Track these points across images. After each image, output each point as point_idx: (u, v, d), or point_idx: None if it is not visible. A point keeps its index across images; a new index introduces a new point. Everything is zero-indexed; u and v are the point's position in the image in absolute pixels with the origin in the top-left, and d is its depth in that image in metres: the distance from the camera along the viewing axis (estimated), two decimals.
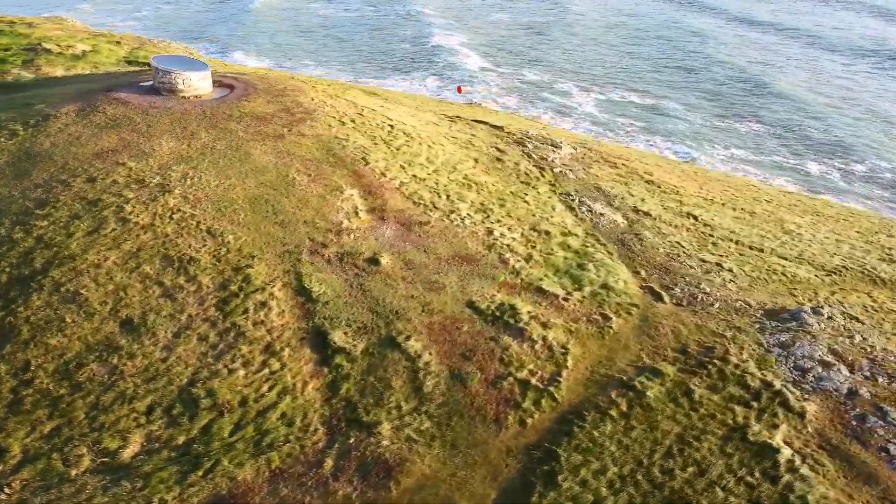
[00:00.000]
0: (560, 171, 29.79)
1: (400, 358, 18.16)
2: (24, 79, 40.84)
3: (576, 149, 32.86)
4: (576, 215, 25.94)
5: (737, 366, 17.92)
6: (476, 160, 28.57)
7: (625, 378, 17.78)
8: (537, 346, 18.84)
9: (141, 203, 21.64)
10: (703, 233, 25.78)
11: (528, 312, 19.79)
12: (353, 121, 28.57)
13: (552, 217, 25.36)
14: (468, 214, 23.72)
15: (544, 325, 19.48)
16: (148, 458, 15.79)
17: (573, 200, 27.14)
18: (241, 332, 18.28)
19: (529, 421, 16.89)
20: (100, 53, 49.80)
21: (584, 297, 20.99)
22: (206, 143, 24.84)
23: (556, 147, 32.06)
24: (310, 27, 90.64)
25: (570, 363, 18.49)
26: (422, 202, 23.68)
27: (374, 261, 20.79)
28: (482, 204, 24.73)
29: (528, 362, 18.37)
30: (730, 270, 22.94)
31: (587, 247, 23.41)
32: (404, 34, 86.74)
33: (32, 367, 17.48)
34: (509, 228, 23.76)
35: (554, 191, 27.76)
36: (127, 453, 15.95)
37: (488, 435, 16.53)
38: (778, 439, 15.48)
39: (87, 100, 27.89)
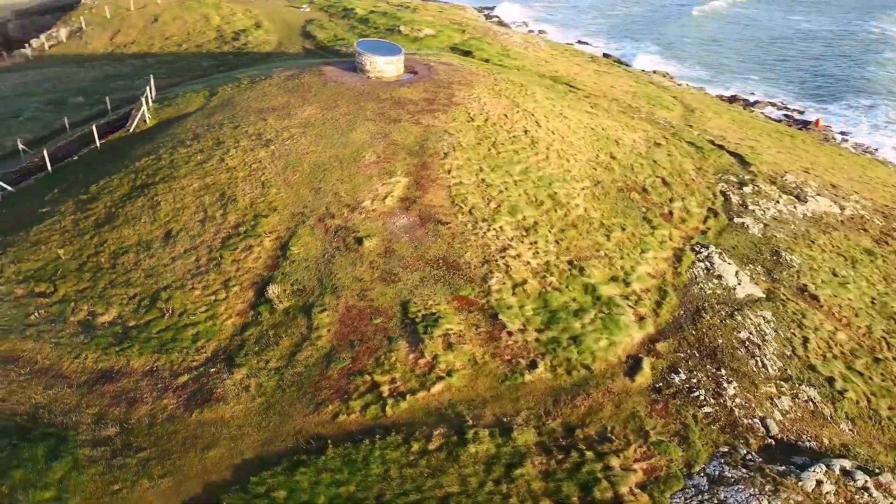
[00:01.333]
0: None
1: (303, 325, 20.14)
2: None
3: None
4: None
5: None
6: (595, 186, 27.06)
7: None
8: (420, 362, 18.82)
9: (241, 151, 26.97)
10: None
11: (447, 330, 19.61)
12: (485, 119, 29.54)
13: (637, 266, 23.12)
14: (499, 228, 23.48)
15: (449, 346, 19.17)
16: (106, 328, 21.05)
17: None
18: (219, 264, 22.30)
19: (342, 418, 17.55)
20: (436, 38, 57.33)
21: (529, 340, 19.68)
22: (334, 115, 29.02)
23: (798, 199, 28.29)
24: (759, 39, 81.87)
25: (434, 388, 18.15)
26: (461, 204, 24.21)
27: (360, 241, 22.61)
28: (530, 225, 23.97)
29: (397, 370, 18.62)
30: None
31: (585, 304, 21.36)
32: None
33: (105, 245, 24.18)
34: (535, 254, 22.82)
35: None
36: (100, 319, 21.45)
37: (300, 411, 17.80)
38: None
39: (303, 69, 34.42)
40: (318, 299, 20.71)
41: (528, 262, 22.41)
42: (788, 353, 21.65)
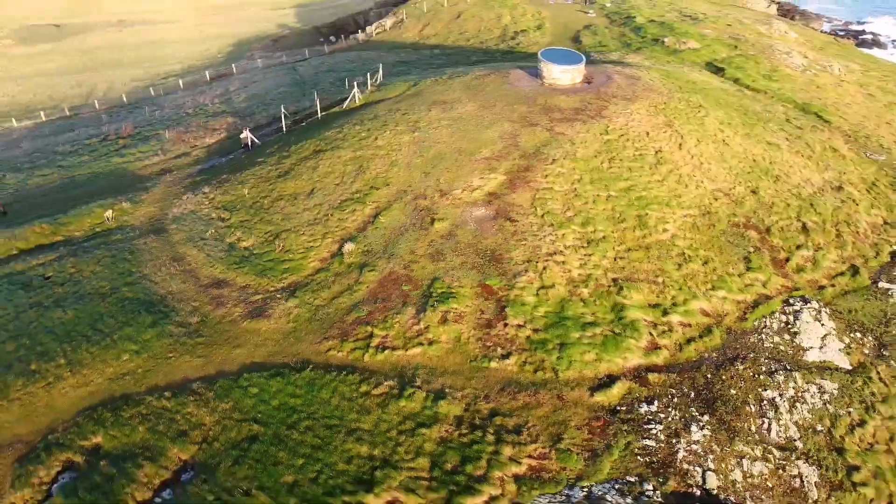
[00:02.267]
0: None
1: (353, 278, 24.71)
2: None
3: None
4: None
5: None
6: (703, 216, 26.53)
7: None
8: (414, 327, 22.17)
9: (393, 133, 31.90)
10: None
11: (451, 307, 22.54)
12: (620, 134, 30.14)
13: (692, 300, 23.32)
14: (560, 235, 25.08)
15: (444, 321, 22.17)
16: (241, 251, 28.00)
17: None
18: (328, 219, 27.84)
19: (331, 353, 21.84)
20: (697, 52, 56.02)
21: (520, 335, 21.67)
22: (485, 113, 32.33)
23: None
24: None
25: (411, 351, 21.46)
26: (537, 207, 26.21)
27: (433, 221, 26.25)
28: (597, 238, 24.93)
29: (393, 329, 22.25)
30: None
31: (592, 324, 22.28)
32: None
33: (274, 191, 31.37)
34: (582, 265, 24.04)
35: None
36: (242, 244, 28.46)
37: (309, 340, 22.51)
38: None
39: (497, 70, 38.10)
40: (375, 261, 24.88)
41: (569, 271, 23.64)
42: (818, 428, 19.94)
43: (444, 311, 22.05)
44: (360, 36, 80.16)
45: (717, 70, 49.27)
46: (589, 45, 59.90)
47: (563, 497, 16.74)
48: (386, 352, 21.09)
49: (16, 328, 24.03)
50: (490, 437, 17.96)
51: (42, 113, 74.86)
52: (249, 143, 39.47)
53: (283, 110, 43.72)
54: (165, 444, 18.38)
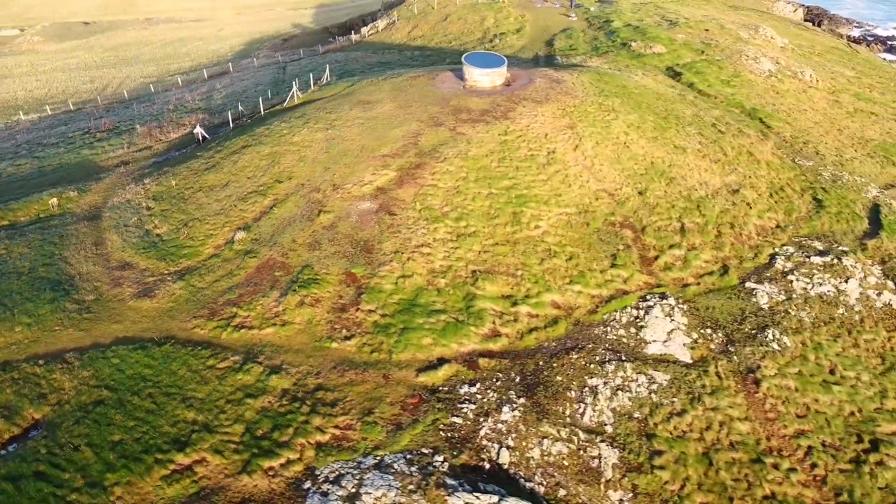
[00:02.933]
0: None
1: (237, 264, 26.61)
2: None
3: None
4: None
5: None
6: (579, 214, 27.75)
7: None
8: (274, 309, 23.99)
9: (309, 131, 33.78)
10: None
11: (312, 293, 24.31)
12: (518, 135, 31.45)
13: (545, 293, 24.87)
14: (433, 229, 26.64)
15: (301, 304, 23.94)
16: (153, 237, 30.12)
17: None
18: (231, 210, 29.76)
19: (196, 330, 23.78)
20: (660, 57, 56.61)
21: (368, 320, 23.33)
22: (398, 113, 33.98)
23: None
24: None
25: (265, 330, 23.26)
26: (418, 203, 27.81)
27: (319, 213, 28.02)
28: (468, 233, 26.48)
29: (255, 311, 24.08)
30: None
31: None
32: None
33: (197, 183, 33.47)
34: (446, 257, 25.62)
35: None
36: (156, 231, 30.63)
37: (181, 318, 24.48)
38: None
39: (429, 72, 39.72)
40: (259, 248, 26.79)
41: (432, 262, 25.21)
42: (635, 415, 21.19)
43: (304, 295, 23.81)
44: (354, 37, 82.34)
45: (676, 74, 50.10)
46: (560, 48, 61.07)
47: (355, 464, 18.36)
48: (242, 330, 22.94)
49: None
50: (305, 409, 19.67)
51: (48, 107, 78.53)
52: (200, 139, 41.73)
53: (239, 108, 45.96)
54: (24, 405, 20.50)
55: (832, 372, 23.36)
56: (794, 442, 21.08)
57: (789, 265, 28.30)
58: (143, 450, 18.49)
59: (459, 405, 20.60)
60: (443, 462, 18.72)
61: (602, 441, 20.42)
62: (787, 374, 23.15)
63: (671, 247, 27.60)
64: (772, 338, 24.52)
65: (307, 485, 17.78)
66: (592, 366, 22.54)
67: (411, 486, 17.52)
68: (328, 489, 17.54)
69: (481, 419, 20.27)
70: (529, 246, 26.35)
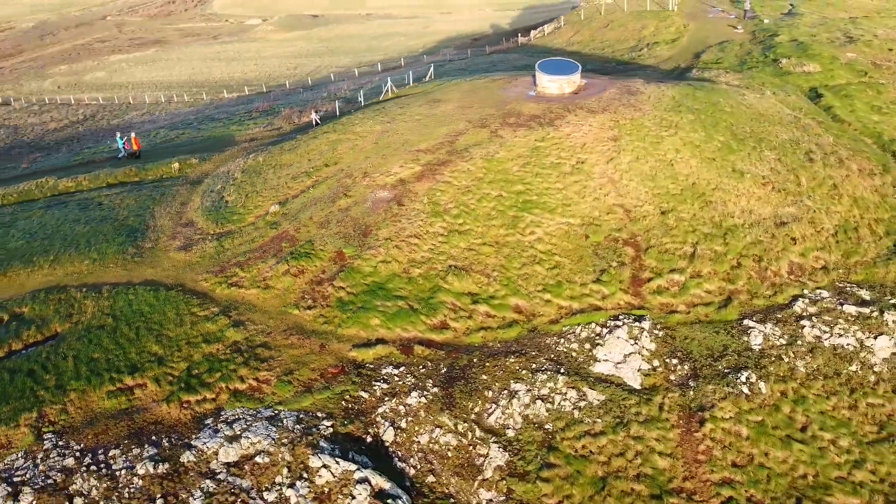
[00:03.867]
0: None
1: (262, 232, 30.37)
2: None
3: None
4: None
5: None
6: (583, 226, 27.74)
7: None
8: (264, 274, 27.33)
9: (371, 123, 36.58)
10: None
11: (300, 265, 27.30)
12: (554, 143, 31.60)
13: (511, 297, 25.60)
14: (430, 223, 28.40)
15: (286, 273, 27.04)
16: (225, 205, 35.05)
17: None
18: (280, 186, 33.71)
19: (201, 283, 27.80)
20: (811, 76, 52.30)
21: (334, 294, 25.83)
22: (455, 114, 35.62)
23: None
24: None
25: (249, 291, 26.69)
26: (427, 197, 29.58)
27: (341, 196, 30.90)
28: (461, 230, 27.73)
29: (251, 274, 27.60)
30: None
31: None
32: None
33: (273, 160, 38.00)
34: (430, 250, 27.27)
35: None
36: (226, 199, 35.57)
37: (194, 271, 28.68)
38: None
39: (509, 76, 40.68)
40: (282, 221, 30.22)
41: (415, 252, 26.89)
42: (546, 427, 21.55)
43: (293, 265, 26.71)
44: (522, 39, 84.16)
45: (817, 96, 46.10)
46: (705, 60, 58.21)
47: (254, 413, 20.84)
48: (233, 288, 26.39)
49: (50, 233, 33.24)
50: (240, 360, 22.52)
51: (247, 88, 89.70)
52: (314, 123, 46.51)
53: (360, 99, 50.17)
54: (54, 320, 25.63)
55: (804, 429, 21.49)
56: (714, 489, 20.00)
57: (812, 310, 25.85)
58: (106, 368, 22.46)
59: (374, 382, 22.17)
60: (328, 427, 20.52)
61: (496, 443, 20.87)
62: (743, 421, 21.69)
63: (671, 271, 26.51)
64: (744, 380, 22.91)
65: (208, 421, 20.56)
66: (525, 372, 22.85)
67: (285, 440, 19.60)
68: (220, 428, 20.18)
69: (386, 398, 21.68)
70: (516, 250, 26.86)
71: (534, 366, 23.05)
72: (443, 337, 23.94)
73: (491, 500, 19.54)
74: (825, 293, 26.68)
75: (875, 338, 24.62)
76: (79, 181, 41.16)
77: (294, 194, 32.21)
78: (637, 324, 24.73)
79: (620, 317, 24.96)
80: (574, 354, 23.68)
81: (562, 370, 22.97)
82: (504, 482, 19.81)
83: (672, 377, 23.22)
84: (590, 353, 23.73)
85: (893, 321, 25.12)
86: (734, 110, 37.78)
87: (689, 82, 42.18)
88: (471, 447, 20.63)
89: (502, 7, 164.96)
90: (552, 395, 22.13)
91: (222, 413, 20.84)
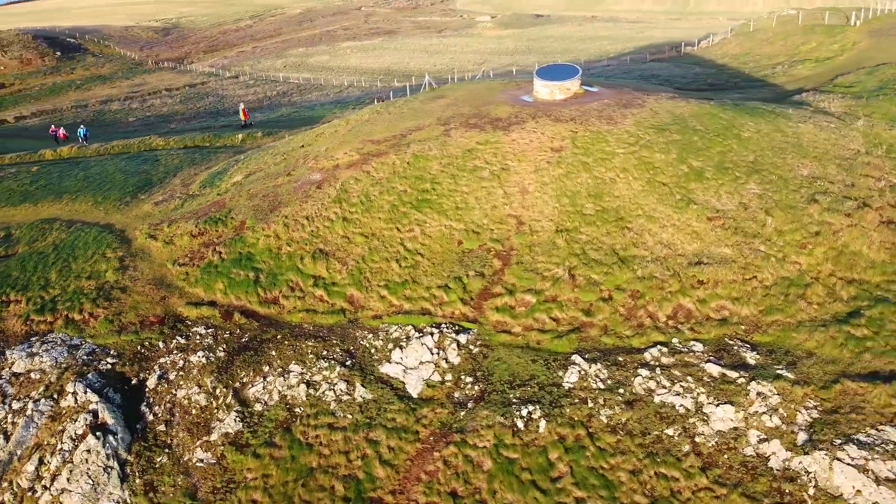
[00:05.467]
0: None
1: (212, 195, 34.06)
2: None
3: None
4: None
5: None
6: (465, 232, 27.26)
7: None
8: (177, 232, 30.88)
9: (367, 112, 38.28)
10: None
11: (208, 231, 30.46)
12: (496, 147, 30.78)
13: (340, 281, 26.74)
14: (314, 206, 29.91)
15: (192, 235, 30.36)
16: (233, 185, 39.53)
17: None
18: (284, 155, 37.15)
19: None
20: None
21: (196, 248, 28.64)
22: (438, 110, 36.01)
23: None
24: None
25: (155, 242, 30.48)
26: (338, 185, 30.96)
27: (286, 174, 33.40)
28: (349, 217, 28.94)
29: (170, 229, 31.37)
30: None
31: None
32: None
33: (286, 139, 41.56)
34: (312, 232, 28.96)
35: None
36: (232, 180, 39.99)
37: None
38: None
39: (521, 80, 39.47)
40: (231, 190, 33.50)
41: (297, 231, 28.47)
42: (296, 410, 22.55)
43: (201, 228, 29.77)
44: (686, 49, 78.84)
45: None
46: (840, 83, 50.82)
47: (68, 339, 24.27)
48: (148, 240, 30.20)
49: (96, 178, 40.03)
50: (94, 296, 26.15)
51: (413, 79, 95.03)
52: None
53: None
54: (23, 242, 31.53)
55: (556, 480, 19.90)
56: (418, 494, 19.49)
57: (665, 360, 22.96)
58: (10, 285, 27.44)
59: (178, 337, 24.39)
60: (109, 363, 23.25)
61: (238, 412, 22.00)
62: (494, 454, 20.57)
63: (527, 290, 24.95)
64: (524, 414, 21.41)
65: (34, 339, 24.41)
66: (311, 356, 23.53)
67: (63, 365, 22.77)
68: (34, 345, 23.90)
69: (175, 352, 23.80)
70: (385, 244, 27.13)
71: (325, 353, 23.52)
72: (267, 311, 25.27)
73: (202, 461, 20.77)
74: (698, 346, 23.27)
75: (718, 405, 21.26)
76: (168, 141, 48.22)
77: (261, 168, 35.16)
78: (455, 335, 23.85)
79: (443, 325, 24.22)
80: (373, 351, 23.65)
81: (348, 363, 23.17)
82: (222, 448, 20.89)
83: (456, 394, 22.29)
84: (388, 354, 23.52)
85: (757, 393, 21.37)
86: (754, 136, 33.14)
87: (738, 102, 37.52)
88: (216, 410, 21.96)
89: (734, 17, 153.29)
90: (321, 382, 22.54)
91: (49, 335, 24.48)
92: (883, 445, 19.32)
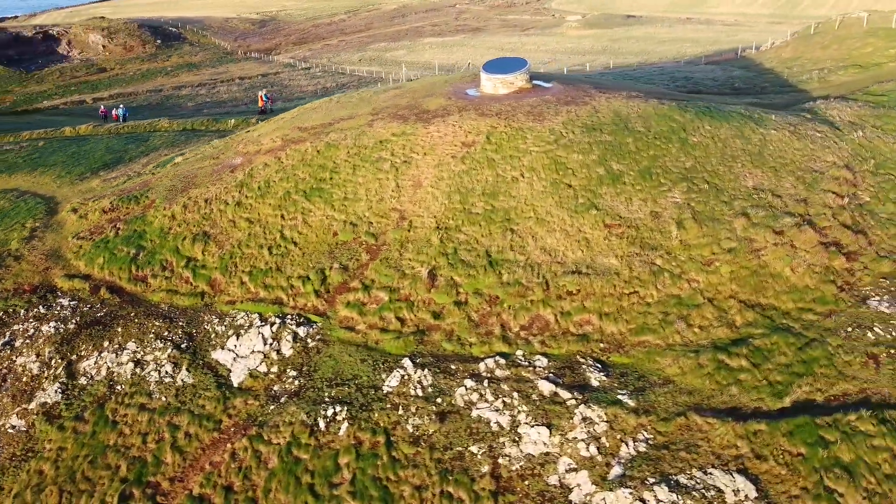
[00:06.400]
0: None
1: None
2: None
3: None
4: None
5: None
6: (340, 222, 26.64)
7: None
8: (104, 204, 31.87)
9: (331, 101, 38.00)
10: None
11: (137, 203, 31.27)
12: (407, 139, 29.62)
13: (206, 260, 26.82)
14: (217, 186, 29.96)
15: (108, 210, 31.26)
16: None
17: None
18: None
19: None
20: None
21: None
22: (381, 101, 35.18)
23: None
24: None
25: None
26: (249, 169, 30.92)
27: (212, 157, 33.76)
28: (231, 200, 28.98)
29: (125, 204, 32.42)
30: None
31: None
32: None
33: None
34: (190, 211, 29.12)
35: None
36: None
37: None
38: None
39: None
40: (162, 170, 34.21)
41: (193, 213, 28.64)
42: (116, 388, 22.86)
43: (114, 204, 30.60)
44: (745, 53, 73.83)
45: None
46: (873, 90, 45.75)
47: None
48: (69, 213, 31.30)
49: (83, 154, 41.88)
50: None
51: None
52: None
53: None
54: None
55: (335, 486, 19.01)
56: (186, 498, 19.17)
57: (499, 373, 21.49)
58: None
59: (42, 307, 25.11)
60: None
61: (62, 384, 22.34)
62: (284, 453, 19.86)
63: (383, 287, 23.93)
64: (330, 414, 20.57)
65: None
66: (151, 336, 23.66)
67: None
68: None
69: (32, 320, 24.47)
70: (265, 230, 26.81)
71: (166, 334, 23.50)
72: (133, 288, 25.54)
73: (14, 427, 21.23)
74: (542, 361, 21.54)
75: (535, 426, 19.66)
76: (172, 124, 49.97)
77: (201, 152, 35.69)
78: (295, 327, 23.18)
79: (289, 316, 23.60)
80: (213, 336, 23.43)
81: (184, 345, 23.06)
82: (35, 417, 21.27)
83: (275, 387, 21.74)
84: (224, 340, 23.20)
85: (584, 417, 19.59)
86: (705, 141, 30.32)
87: (711, 105, 34.53)
88: (44, 380, 22.37)
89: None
90: (150, 362, 22.56)
91: None
92: (702, 490, 17.22)
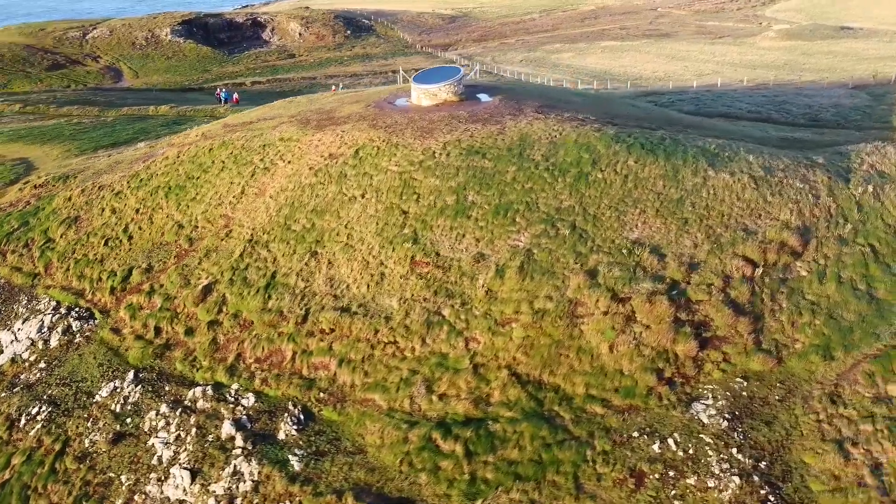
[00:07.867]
0: None
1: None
2: None
3: None
4: None
5: None
6: (203, 221, 26.62)
7: None
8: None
9: (288, 102, 37.98)
10: None
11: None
12: (293, 145, 28.62)
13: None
14: (113, 177, 31.17)
15: (38, 185, 34.02)
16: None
17: None
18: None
19: None
20: None
21: None
22: (307, 105, 34.45)
23: None
24: None
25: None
26: (158, 163, 31.85)
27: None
28: (122, 189, 30.01)
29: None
30: None
31: None
32: None
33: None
34: (112, 198, 30.60)
35: None
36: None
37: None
38: None
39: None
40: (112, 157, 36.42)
41: (79, 199, 30.24)
42: None
43: (48, 183, 33.11)
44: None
45: None
46: None
47: None
48: (24, 185, 34.42)
49: (97, 133, 45.96)
50: None
51: (609, 82, 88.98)
52: None
53: None
54: None
55: None
56: None
57: (201, 405, 20.32)
58: None
59: None
60: None
61: None
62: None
63: (162, 294, 23.52)
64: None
65: None
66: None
67: None
68: None
69: None
70: (119, 221, 27.49)
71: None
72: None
73: None
74: (249, 400, 20.17)
75: (185, 468, 18.67)
76: (196, 111, 53.18)
77: (153, 140, 37.34)
78: (73, 321, 23.58)
79: (79, 309, 24.10)
80: (11, 316, 24.57)
81: None
82: None
83: (22, 375, 22.59)
84: (16, 321, 24.15)
85: (234, 471, 18.19)
86: (615, 181, 25.79)
87: (676, 137, 29.47)
88: None
89: None
90: None
91: None
92: None
